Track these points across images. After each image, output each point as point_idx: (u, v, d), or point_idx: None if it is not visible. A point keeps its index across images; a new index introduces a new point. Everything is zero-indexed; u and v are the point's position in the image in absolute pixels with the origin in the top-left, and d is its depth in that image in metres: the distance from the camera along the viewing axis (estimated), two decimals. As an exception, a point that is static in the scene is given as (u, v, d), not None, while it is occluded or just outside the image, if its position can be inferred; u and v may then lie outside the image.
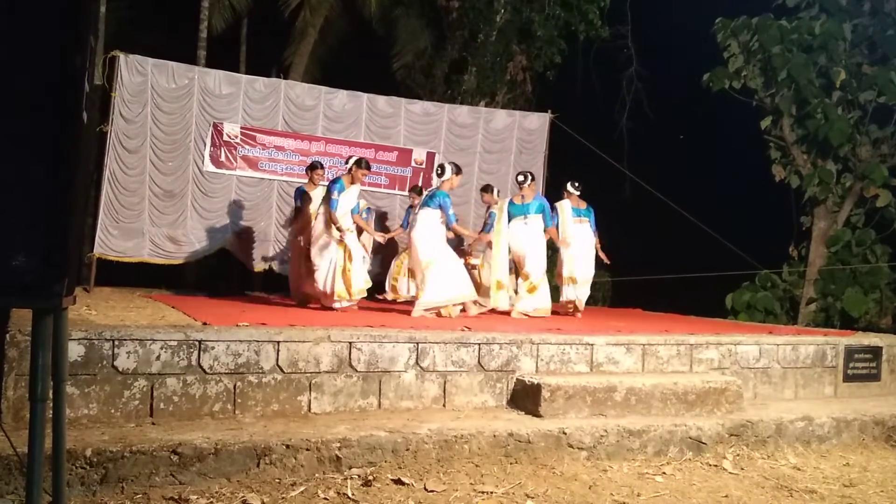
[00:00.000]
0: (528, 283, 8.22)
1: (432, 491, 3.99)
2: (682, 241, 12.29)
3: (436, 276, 7.40)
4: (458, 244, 10.40)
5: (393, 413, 5.02)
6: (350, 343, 5.05)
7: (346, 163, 7.81)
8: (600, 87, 16.19)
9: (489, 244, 8.67)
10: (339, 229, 7.43)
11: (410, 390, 5.20)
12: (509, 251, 8.35)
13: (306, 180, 8.81)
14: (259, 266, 10.33)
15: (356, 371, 5.05)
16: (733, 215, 13.29)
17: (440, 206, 7.50)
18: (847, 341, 7.04)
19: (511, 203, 8.44)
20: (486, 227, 8.87)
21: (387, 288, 10.12)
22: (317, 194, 8.43)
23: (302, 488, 3.91)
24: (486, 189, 9.57)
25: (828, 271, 12.30)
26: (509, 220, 8.32)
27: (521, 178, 8.52)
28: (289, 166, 10.23)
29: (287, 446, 4.08)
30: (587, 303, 9.10)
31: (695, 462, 4.96)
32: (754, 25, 12.88)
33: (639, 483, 4.43)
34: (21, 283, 1.91)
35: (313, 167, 8.72)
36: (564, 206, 8.63)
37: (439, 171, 7.77)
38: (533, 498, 4.00)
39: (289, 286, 9.16)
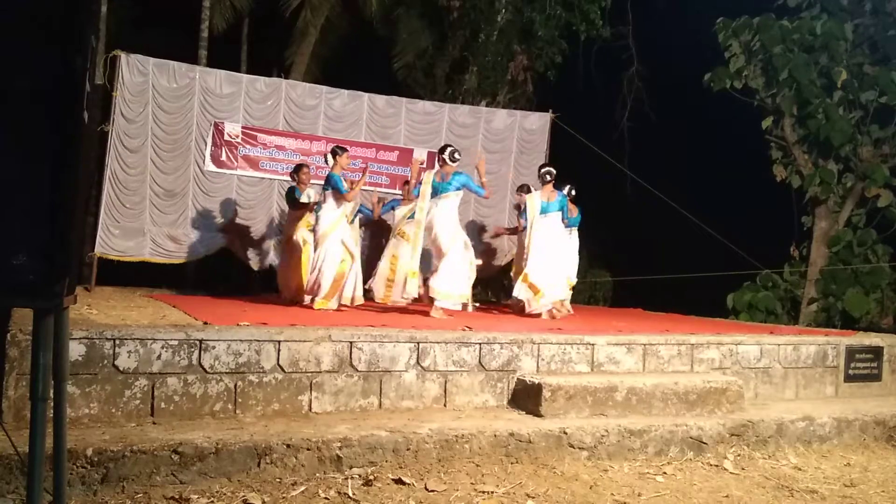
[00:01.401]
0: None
1: (433, 491, 3.99)
2: (683, 241, 12.28)
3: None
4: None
5: (394, 413, 5.02)
6: (351, 343, 5.05)
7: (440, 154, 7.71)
8: (601, 87, 16.16)
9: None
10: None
11: (411, 390, 5.20)
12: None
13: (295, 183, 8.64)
14: (260, 265, 10.33)
15: (357, 371, 5.05)
16: (734, 215, 13.28)
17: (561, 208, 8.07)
18: (848, 341, 7.04)
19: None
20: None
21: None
22: (309, 194, 8.53)
23: (303, 488, 3.91)
24: (523, 189, 9.36)
25: (829, 271, 12.29)
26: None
27: (548, 174, 8.34)
28: (290, 166, 10.18)
29: (288, 446, 4.08)
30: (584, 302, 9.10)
31: (696, 462, 4.96)
32: (755, 25, 12.87)
33: (640, 483, 4.43)
34: (22, 283, 1.91)
35: (300, 168, 8.65)
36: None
37: (548, 178, 8.13)
38: (534, 498, 4.00)
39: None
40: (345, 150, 7.99)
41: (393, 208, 9.53)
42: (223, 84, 9.99)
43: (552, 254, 8.11)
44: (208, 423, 4.47)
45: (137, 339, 4.51)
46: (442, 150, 7.72)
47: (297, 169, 8.69)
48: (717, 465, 4.92)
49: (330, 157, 7.87)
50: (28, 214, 1.91)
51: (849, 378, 6.90)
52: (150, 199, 9.54)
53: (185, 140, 9.76)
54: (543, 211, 8.13)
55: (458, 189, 7.56)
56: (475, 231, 11.23)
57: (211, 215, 9.89)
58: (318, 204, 8.04)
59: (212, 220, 9.90)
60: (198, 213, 9.82)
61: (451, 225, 7.60)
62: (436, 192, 7.52)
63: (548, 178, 8.18)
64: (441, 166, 7.66)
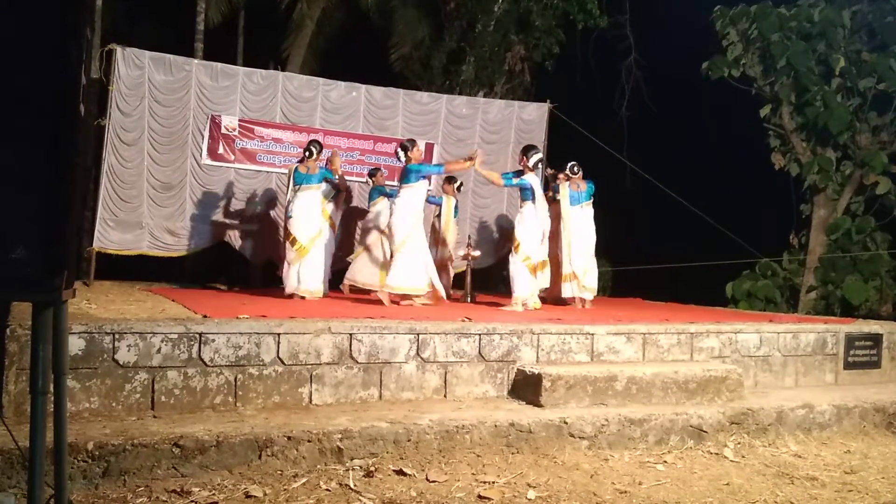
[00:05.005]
0: None
1: (434, 481, 3.99)
2: (682, 230, 12.27)
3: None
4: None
5: (394, 404, 5.02)
6: (351, 334, 5.05)
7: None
8: (599, 77, 16.11)
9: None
10: None
11: (411, 381, 5.20)
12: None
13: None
14: (258, 258, 10.33)
15: (357, 362, 5.05)
16: (733, 204, 13.26)
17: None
18: (847, 329, 7.05)
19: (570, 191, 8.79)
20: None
21: None
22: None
23: (304, 480, 3.91)
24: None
25: (828, 259, 12.29)
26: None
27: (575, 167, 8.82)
28: (286, 158, 10.19)
29: (288, 438, 4.08)
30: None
31: (696, 450, 4.97)
32: (753, 13, 12.83)
33: (640, 472, 4.44)
34: (20, 276, 1.90)
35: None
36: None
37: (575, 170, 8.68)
38: (534, 487, 4.00)
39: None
40: (414, 142, 8.15)
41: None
42: (219, 77, 9.97)
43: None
44: (209, 416, 4.48)
45: (137, 332, 4.51)
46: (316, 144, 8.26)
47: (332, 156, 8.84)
48: (717, 454, 4.93)
49: (401, 151, 7.84)
50: (25, 208, 1.91)
51: (848, 365, 6.91)
52: (147, 193, 9.54)
53: (181, 133, 9.74)
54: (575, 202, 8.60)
55: (319, 182, 8.16)
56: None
57: (208, 208, 9.88)
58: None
59: (209, 213, 9.89)
60: (195, 207, 9.81)
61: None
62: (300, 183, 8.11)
63: (575, 170, 8.71)
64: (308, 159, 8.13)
